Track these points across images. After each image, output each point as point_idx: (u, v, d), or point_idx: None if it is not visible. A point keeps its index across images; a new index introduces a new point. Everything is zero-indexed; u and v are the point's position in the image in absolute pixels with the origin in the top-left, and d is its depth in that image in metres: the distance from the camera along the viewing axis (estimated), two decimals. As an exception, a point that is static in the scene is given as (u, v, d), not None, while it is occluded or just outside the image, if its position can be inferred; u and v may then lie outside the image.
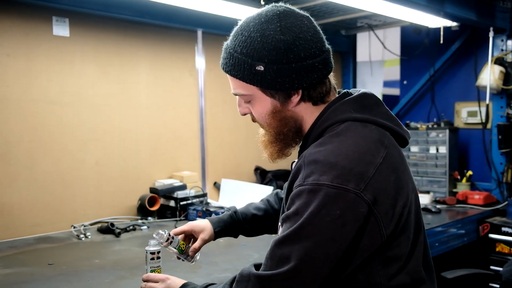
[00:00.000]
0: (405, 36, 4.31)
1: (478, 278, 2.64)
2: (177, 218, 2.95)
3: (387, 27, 4.10)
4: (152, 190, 3.01)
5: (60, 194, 2.72)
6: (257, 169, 3.77)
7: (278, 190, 1.73)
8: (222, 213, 1.68)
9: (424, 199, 3.43)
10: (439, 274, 2.43)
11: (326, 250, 1.05)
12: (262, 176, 3.73)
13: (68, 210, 2.75)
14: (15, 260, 2.18)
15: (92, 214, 2.85)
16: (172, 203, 3.01)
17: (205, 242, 1.57)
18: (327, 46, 1.21)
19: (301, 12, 1.21)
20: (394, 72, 4.62)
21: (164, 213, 3.03)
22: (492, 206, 3.40)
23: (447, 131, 3.62)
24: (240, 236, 2.34)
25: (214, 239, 1.60)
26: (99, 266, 2.07)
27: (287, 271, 1.06)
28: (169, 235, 1.51)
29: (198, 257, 1.58)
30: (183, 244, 1.54)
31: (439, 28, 3.54)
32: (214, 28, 3.32)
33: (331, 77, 1.23)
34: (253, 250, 2.32)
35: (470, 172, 3.67)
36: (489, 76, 3.47)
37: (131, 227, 2.72)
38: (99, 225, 2.74)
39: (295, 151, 1.32)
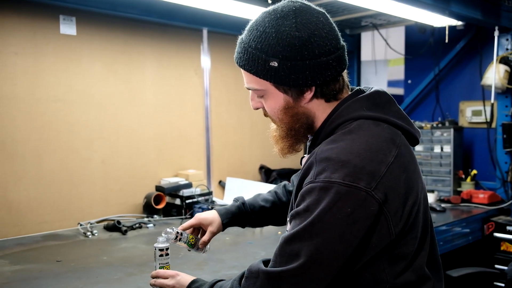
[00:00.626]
0: (409, 35, 4.32)
1: (483, 277, 2.66)
2: (183, 216, 2.96)
3: (391, 26, 4.11)
4: (158, 188, 3.02)
5: (67, 192, 2.73)
6: (262, 168, 3.78)
7: (286, 182, 1.72)
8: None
9: (429, 198, 3.42)
10: (445, 273, 2.43)
11: (336, 247, 1.05)
12: (266, 174, 3.74)
13: (74, 208, 2.76)
14: (23, 257, 2.19)
15: (99, 212, 2.86)
16: (177, 201, 3.02)
17: (214, 234, 1.58)
18: (342, 43, 1.21)
19: (317, 8, 1.20)
20: (398, 72, 4.63)
21: (170, 211, 3.05)
22: (496, 205, 3.40)
23: (452, 130, 3.62)
24: (247, 234, 2.36)
25: (222, 230, 1.61)
26: (107, 263, 2.09)
27: (296, 268, 1.07)
28: (178, 232, 1.52)
29: (209, 247, 1.59)
30: (192, 239, 1.55)
31: (444, 27, 3.55)
32: (219, 27, 3.34)
33: (345, 74, 1.23)
34: (260, 248, 2.33)
35: (474, 171, 3.68)
36: (494, 75, 3.47)
37: (137, 225, 2.73)
38: (106, 223, 2.75)
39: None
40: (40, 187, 2.63)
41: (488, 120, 3.69)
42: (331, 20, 1.20)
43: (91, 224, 2.73)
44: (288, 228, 1.18)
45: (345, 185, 1.04)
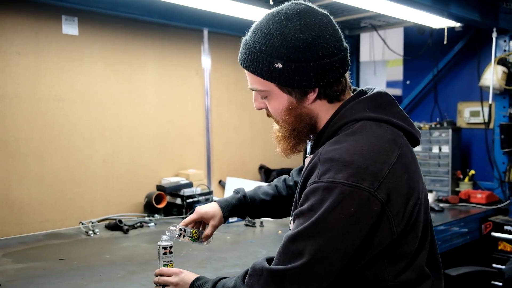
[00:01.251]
0: (408, 36, 4.35)
1: (481, 276, 2.68)
2: (183, 216, 2.97)
3: (390, 27, 4.13)
4: (159, 187, 3.04)
5: (68, 191, 2.75)
6: (262, 168, 3.80)
7: (286, 176, 1.73)
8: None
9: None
10: (443, 272, 2.46)
11: (339, 246, 1.07)
12: (266, 174, 3.76)
13: (76, 207, 2.78)
14: (26, 255, 2.21)
15: (100, 211, 2.88)
16: (178, 201, 3.04)
17: (216, 227, 1.60)
18: (345, 44, 1.22)
19: (321, 10, 1.21)
20: (397, 72, 4.65)
21: (171, 210, 3.06)
22: (494, 205, 3.43)
23: (450, 130, 3.65)
24: (247, 233, 2.38)
25: (224, 222, 1.63)
26: (110, 261, 2.10)
27: (300, 266, 1.08)
28: (181, 229, 1.54)
29: (212, 238, 1.62)
30: (195, 233, 1.57)
31: (443, 29, 3.57)
32: (220, 28, 3.36)
33: (347, 75, 1.25)
34: (261, 247, 2.35)
35: (472, 172, 3.70)
36: (492, 76, 3.50)
37: (138, 224, 2.75)
38: (107, 222, 2.77)
39: None
40: (42, 186, 2.65)
41: (486, 120, 3.72)
42: (334, 22, 1.22)
43: (92, 223, 2.74)
44: (291, 227, 1.19)
45: (348, 185, 1.06)
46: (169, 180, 3.12)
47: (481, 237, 3.26)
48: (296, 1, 1.22)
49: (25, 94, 2.58)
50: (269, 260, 1.18)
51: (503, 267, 2.70)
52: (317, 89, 1.19)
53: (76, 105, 2.78)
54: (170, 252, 1.57)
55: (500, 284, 2.69)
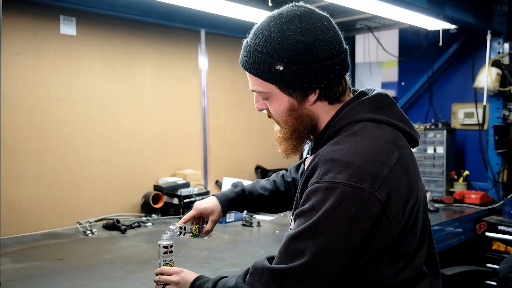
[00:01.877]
0: (403, 38, 4.38)
1: (475, 275, 2.71)
2: (181, 216, 2.98)
3: (386, 29, 4.17)
4: (156, 187, 3.05)
5: (66, 191, 2.75)
6: (258, 168, 3.82)
7: (284, 172, 1.75)
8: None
9: (423, 198, 3.49)
10: (439, 271, 2.48)
11: (340, 246, 1.09)
12: (262, 174, 3.78)
13: (74, 207, 2.78)
14: (25, 255, 2.21)
15: (97, 211, 2.88)
16: (175, 201, 3.05)
17: (216, 222, 1.61)
18: (345, 46, 1.24)
19: (321, 12, 1.23)
20: (392, 74, 4.68)
21: (168, 210, 3.07)
22: (488, 205, 3.47)
23: (445, 131, 3.68)
24: (245, 233, 2.40)
25: (223, 217, 1.64)
26: (109, 261, 2.11)
27: (301, 265, 1.10)
28: (181, 227, 1.56)
29: (212, 233, 1.63)
30: (195, 230, 1.58)
31: (438, 31, 3.61)
32: (217, 29, 3.38)
33: (347, 76, 1.26)
34: (259, 247, 2.37)
35: (466, 172, 3.74)
36: (486, 78, 3.54)
37: (136, 224, 2.76)
38: (105, 221, 2.78)
39: None
40: (40, 186, 2.65)
41: (480, 122, 3.76)
42: (334, 24, 1.23)
43: (90, 223, 2.75)
44: (292, 226, 1.21)
45: (349, 185, 1.08)
46: (166, 180, 3.14)
47: (476, 237, 3.29)
48: (296, 4, 1.23)
49: (24, 94, 2.59)
50: (270, 259, 1.19)
51: (497, 266, 2.73)
52: (317, 91, 1.21)
53: (75, 105, 2.78)
54: (171, 251, 1.58)
55: (494, 283, 2.72)
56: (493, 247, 3.26)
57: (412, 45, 4.19)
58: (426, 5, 2.88)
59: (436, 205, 3.43)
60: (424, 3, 2.86)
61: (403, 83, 4.46)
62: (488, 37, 3.56)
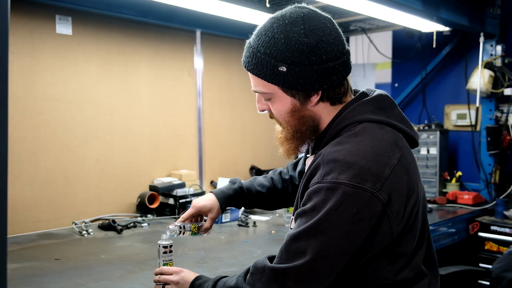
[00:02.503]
0: (397, 40, 4.41)
1: (468, 275, 2.74)
2: (176, 216, 2.98)
3: (380, 30, 4.19)
4: (152, 188, 3.05)
5: (62, 191, 2.74)
6: (253, 168, 3.82)
7: (282, 169, 1.75)
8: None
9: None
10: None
11: (341, 245, 1.10)
12: (257, 175, 3.77)
13: (69, 207, 2.77)
14: (21, 255, 2.20)
15: (93, 211, 2.88)
16: (171, 201, 3.05)
17: (215, 219, 1.62)
18: (347, 48, 1.25)
19: (324, 14, 1.24)
20: (385, 75, 4.72)
21: (163, 210, 3.07)
22: (481, 206, 3.51)
23: (438, 133, 3.72)
24: (241, 234, 2.41)
25: (222, 213, 1.65)
26: (106, 261, 2.11)
27: (302, 265, 1.11)
28: (180, 226, 1.56)
29: (211, 230, 1.64)
30: (194, 228, 1.59)
31: (431, 33, 3.64)
32: (212, 29, 3.38)
33: (349, 77, 1.28)
34: (255, 247, 2.38)
35: (459, 173, 3.78)
36: (479, 79, 3.57)
37: (132, 224, 2.75)
38: (100, 222, 2.77)
39: None
40: (35, 186, 2.64)
41: (473, 123, 3.80)
42: (337, 25, 1.25)
43: (85, 223, 2.74)
44: (293, 226, 1.21)
45: (351, 186, 1.09)
46: (162, 180, 3.13)
47: (468, 237, 3.33)
48: (299, 5, 1.24)
49: (19, 94, 2.57)
50: (271, 259, 1.20)
51: (489, 266, 2.76)
52: (320, 92, 1.22)
53: (70, 104, 2.78)
54: (170, 251, 1.59)
55: (487, 283, 2.75)
56: (486, 247, 3.30)
57: (406, 47, 4.22)
58: (421, 7, 2.90)
59: (430, 205, 3.46)
60: (418, 5, 2.89)
61: (396, 85, 4.49)
62: (481, 39, 3.59)
